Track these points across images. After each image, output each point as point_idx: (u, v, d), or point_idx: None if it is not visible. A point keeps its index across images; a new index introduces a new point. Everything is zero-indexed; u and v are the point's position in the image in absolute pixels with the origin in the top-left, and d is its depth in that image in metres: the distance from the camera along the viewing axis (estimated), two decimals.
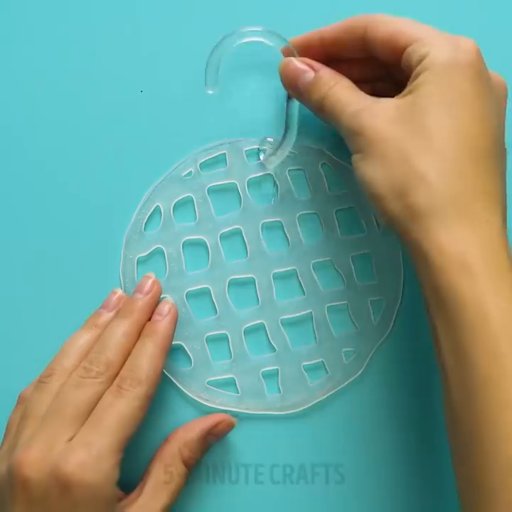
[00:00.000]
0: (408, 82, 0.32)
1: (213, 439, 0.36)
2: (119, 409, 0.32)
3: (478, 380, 0.28)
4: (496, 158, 0.31)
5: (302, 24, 0.37)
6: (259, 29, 0.36)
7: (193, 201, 0.38)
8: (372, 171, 0.31)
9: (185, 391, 0.37)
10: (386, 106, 0.32)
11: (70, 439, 0.32)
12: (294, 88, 0.35)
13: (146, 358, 0.34)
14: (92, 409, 0.32)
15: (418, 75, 0.31)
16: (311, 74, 0.35)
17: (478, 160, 0.30)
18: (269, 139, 0.38)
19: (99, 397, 0.33)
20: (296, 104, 0.37)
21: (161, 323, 0.35)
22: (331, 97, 0.33)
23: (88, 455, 0.31)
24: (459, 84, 0.31)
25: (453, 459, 0.30)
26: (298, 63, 0.35)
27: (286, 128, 0.37)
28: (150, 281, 0.36)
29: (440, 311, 0.30)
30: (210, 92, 0.37)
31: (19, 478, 0.31)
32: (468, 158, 0.30)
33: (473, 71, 0.31)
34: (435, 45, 0.31)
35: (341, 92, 0.33)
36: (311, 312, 0.38)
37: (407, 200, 0.30)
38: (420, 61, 0.31)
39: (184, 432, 0.35)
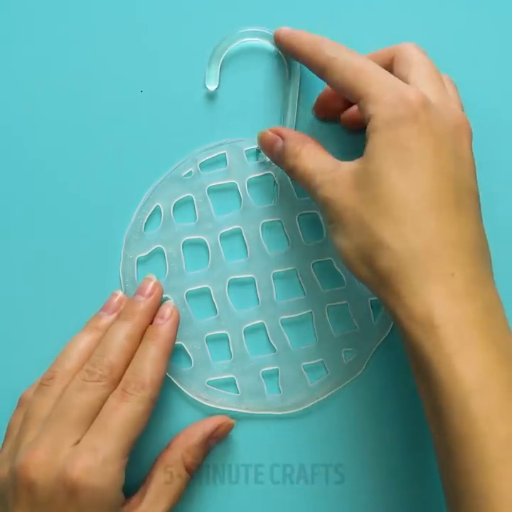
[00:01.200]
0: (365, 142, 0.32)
1: (214, 442, 0.36)
2: (124, 414, 0.32)
3: (452, 440, 0.29)
4: (461, 206, 0.31)
5: (301, 24, 0.37)
6: (263, 30, 0.38)
7: (193, 201, 0.38)
8: (341, 240, 0.32)
9: (185, 391, 0.37)
10: (344, 173, 0.32)
11: (75, 443, 0.32)
12: (271, 155, 0.37)
13: (150, 362, 0.34)
14: (96, 412, 0.33)
15: (368, 136, 0.32)
16: (280, 142, 0.35)
17: (438, 213, 0.30)
18: None
19: (102, 401, 0.33)
20: (293, 102, 0.38)
21: (163, 326, 0.35)
22: (298, 168, 0.34)
23: (94, 460, 0.31)
24: (405, 143, 0.30)
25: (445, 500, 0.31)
26: (269, 133, 0.36)
27: (284, 125, 0.38)
28: (151, 284, 0.36)
29: (415, 369, 0.30)
30: (210, 88, 0.38)
31: (24, 481, 0.31)
32: (425, 214, 0.30)
33: (414, 126, 0.31)
34: (379, 102, 0.31)
35: (307, 160, 0.34)
36: (311, 312, 0.38)
37: (372, 266, 0.31)
38: (368, 121, 0.32)
39: (185, 438, 0.35)
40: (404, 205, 0.30)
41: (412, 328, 0.29)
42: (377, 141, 0.31)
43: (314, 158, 0.34)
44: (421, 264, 0.30)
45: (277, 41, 0.37)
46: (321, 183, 0.33)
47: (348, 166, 0.32)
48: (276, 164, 0.37)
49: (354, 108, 0.37)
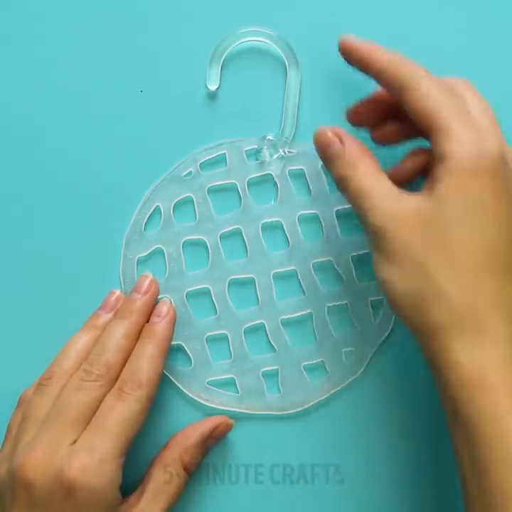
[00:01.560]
0: (429, 177, 0.31)
1: (213, 442, 0.36)
2: (121, 413, 0.32)
3: (497, 497, 0.28)
4: None
5: (301, 24, 0.37)
6: (263, 30, 0.38)
7: (193, 201, 0.38)
8: (391, 276, 0.30)
9: (185, 391, 0.37)
10: (407, 210, 0.30)
11: (73, 443, 0.32)
12: (323, 156, 0.34)
13: (147, 360, 0.34)
14: (94, 412, 0.33)
15: (439, 176, 0.30)
16: (338, 146, 0.33)
17: (500, 273, 0.30)
18: (269, 137, 0.38)
19: (100, 400, 0.33)
20: (294, 102, 0.38)
21: (160, 324, 0.35)
22: (353, 183, 0.32)
23: (91, 459, 0.31)
24: (480, 194, 0.30)
25: None
26: (329, 133, 0.33)
27: (284, 125, 0.38)
28: (148, 281, 0.36)
29: (457, 423, 0.30)
30: (211, 88, 0.38)
31: (22, 481, 0.31)
32: (490, 272, 0.29)
33: (493, 180, 0.30)
34: (457, 143, 0.30)
35: (363, 177, 0.32)
36: (311, 312, 0.38)
37: (425, 316, 0.30)
38: (441, 159, 0.30)
39: (184, 438, 0.35)
40: (471, 257, 0.29)
41: (460, 379, 0.29)
42: (453, 185, 0.30)
43: (371, 178, 0.32)
44: (478, 320, 0.29)
45: (343, 52, 0.34)
46: (375, 208, 0.31)
47: (413, 201, 0.31)
48: (324, 165, 0.34)
49: (393, 126, 0.35)
